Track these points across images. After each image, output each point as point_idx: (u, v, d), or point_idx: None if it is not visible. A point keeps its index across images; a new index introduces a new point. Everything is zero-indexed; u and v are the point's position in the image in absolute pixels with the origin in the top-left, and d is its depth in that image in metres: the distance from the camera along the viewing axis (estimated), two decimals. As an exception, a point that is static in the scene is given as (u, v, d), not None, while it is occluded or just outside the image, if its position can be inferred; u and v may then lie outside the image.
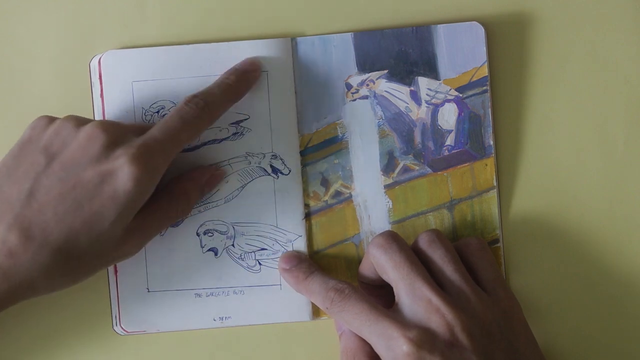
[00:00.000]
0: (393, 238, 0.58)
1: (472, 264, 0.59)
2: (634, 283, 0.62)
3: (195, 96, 0.58)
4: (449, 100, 0.62)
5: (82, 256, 0.55)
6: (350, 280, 0.61)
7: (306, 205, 0.62)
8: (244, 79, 0.60)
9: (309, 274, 0.60)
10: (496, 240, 0.62)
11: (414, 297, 0.56)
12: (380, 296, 0.59)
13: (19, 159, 0.56)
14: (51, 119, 0.58)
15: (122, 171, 0.55)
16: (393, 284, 0.57)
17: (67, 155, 0.55)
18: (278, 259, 0.61)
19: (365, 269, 0.60)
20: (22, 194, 0.55)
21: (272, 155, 0.62)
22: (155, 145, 0.56)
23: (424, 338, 0.54)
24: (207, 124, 0.58)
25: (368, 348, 0.57)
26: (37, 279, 0.54)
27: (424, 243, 0.58)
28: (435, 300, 0.55)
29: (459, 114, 0.62)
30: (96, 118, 0.61)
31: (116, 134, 0.56)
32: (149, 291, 0.62)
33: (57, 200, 0.55)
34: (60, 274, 0.55)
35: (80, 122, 0.57)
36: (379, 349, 0.56)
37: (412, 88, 0.62)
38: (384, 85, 0.62)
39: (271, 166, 0.62)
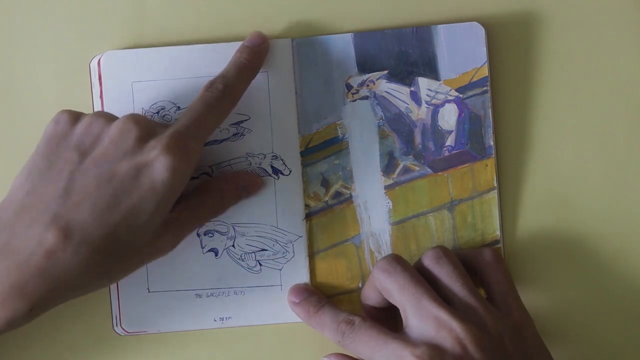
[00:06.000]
0: (396, 260, 0.57)
1: (485, 276, 0.59)
2: (637, 283, 0.62)
3: (214, 81, 0.58)
4: (449, 101, 0.62)
5: (120, 253, 0.54)
6: (351, 283, 0.61)
7: (306, 206, 0.62)
8: (257, 55, 0.60)
9: (320, 307, 0.59)
10: (496, 241, 0.62)
11: (421, 316, 0.55)
12: (384, 319, 0.58)
13: (49, 157, 0.55)
14: (75, 115, 0.56)
15: (158, 162, 0.54)
16: (400, 307, 0.56)
17: (100, 151, 0.55)
18: (287, 291, 0.61)
19: (369, 292, 0.59)
20: (58, 193, 0.54)
21: (273, 156, 0.62)
22: (186, 133, 0.55)
23: (431, 354, 0.53)
24: (230, 105, 0.58)
25: None
26: (76, 279, 0.53)
27: (431, 260, 0.58)
28: (444, 316, 0.54)
29: (459, 115, 0.62)
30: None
31: (147, 126, 0.56)
32: (149, 291, 0.62)
33: (93, 197, 0.54)
34: (98, 273, 0.54)
35: (109, 117, 0.56)
36: None
37: (412, 88, 0.62)
38: (384, 86, 0.62)
39: (272, 167, 0.62)
